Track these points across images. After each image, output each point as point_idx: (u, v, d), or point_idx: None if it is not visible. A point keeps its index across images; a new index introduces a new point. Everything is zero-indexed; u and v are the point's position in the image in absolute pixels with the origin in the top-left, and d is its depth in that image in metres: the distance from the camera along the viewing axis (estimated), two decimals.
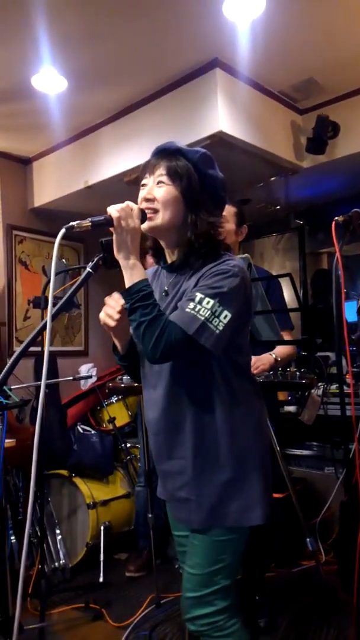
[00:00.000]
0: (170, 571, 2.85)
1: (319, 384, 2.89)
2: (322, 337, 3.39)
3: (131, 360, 1.59)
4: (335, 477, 3.14)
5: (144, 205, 1.47)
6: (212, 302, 1.35)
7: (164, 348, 1.33)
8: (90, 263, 1.42)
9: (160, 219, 1.46)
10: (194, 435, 1.43)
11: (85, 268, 1.41)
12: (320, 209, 4.39)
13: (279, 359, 2.32)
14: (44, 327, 1.36)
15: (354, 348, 3.05)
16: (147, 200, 1.47)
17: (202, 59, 2.90)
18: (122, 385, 2.78)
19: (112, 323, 1.49)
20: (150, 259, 1.71)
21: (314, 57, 2.91)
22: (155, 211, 1.46)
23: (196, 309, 1.34)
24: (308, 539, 2.39)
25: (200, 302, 1.35)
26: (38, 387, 2.79)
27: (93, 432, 3.52)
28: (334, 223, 2.01)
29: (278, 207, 4.45)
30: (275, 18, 2.54)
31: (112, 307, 1.48)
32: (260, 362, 2.27)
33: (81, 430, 3.50)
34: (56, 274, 2.69)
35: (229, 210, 2.38)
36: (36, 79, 2.97)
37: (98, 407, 3.74)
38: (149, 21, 2.56)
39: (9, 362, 1.25)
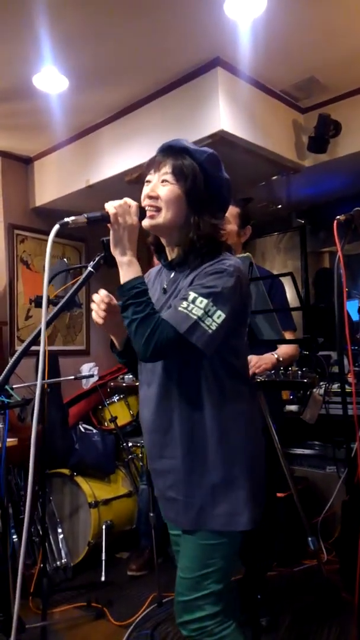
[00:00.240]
0: (172, 570, 2.81)
1: (321, 383, 2.89)
2: (324, 336, 3.38)
3: (130, 357, 1.58)
4: (337, 477, 3.14)
5: (146, 202, 1.46)
6: (205, 301, 1.33)
7: (155, 346, 1.32)
8: (91, 262, 1.42)
9: (162, 217, 1.45)
10: (184, 435, 1.42)
11: (86, 267, 1.41)
12: (321, 207, 4.39)
13: (281, 359, 2.32)
14: (49, 323, 1.36)
15: (356, 347, 3.05)
16: (150, 197, 1.46)
17: (203, 58, 2.90)
18: (124, 384, 2.79)
19: (99, 320, 1.50)
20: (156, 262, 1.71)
21: (316, 56, 2.90)
22: (158, 209, 1.45)
23: (189, 308, 1.33)
24: (310, 538, 2.39)
25: (193, 302, 1.34)
26: (40, 386, 2.78)
27: (95, 431, 3.51)
28: (335, 222, 2.00)
29: (279, 206, 4.45)
30: (277, 17, 2.54)
31: (97, 303, 1.49)
32: (262, 361, 2.26)
33: (83, 430, 3.49)
34: (57, 273, 2.70)
35: (231, 211, 2.37)
36: (37, 79, 2.97)
37: (100, 406, 3.73)
38: (150, 20, 2.56)
39: (11, 361, 1.25)
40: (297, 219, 4.64)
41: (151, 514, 2.71)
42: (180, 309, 1.34)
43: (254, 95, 3.14)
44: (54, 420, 3.46)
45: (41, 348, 1.25)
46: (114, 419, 3.46)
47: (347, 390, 2.33)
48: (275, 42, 2.75)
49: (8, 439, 2.41)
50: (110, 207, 1.38)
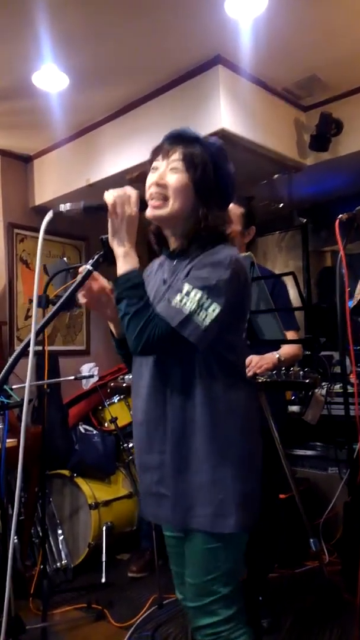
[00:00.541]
0: None
1: (323, 383, 2.88)
2: (326, 336, 3.37)
3: (128, 349, 1.53)
4: (339, 478, 3.12)
5: (153, 189, 1.41)
6: (199, 294, 1.30)
7: (147, 341, 1.29)
8: (90, 260, 1.39)
9: (169, 207, 1.40)
10: (174, 430, 1.38)
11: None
12: (323, 206, 4.37)
13: (283, 359, 2.30)
14: (44, 326, 1.34)
15: (358, 347, 3.03)
16: (158, 185, 1.41)
17: (204, 56, 2.89)
18: (124, 384, 2.77)
19: (81, 299, 1.46)
20: None
21: (317, 55, 2.89)
22: (165, 198, 1.40)
23: (182, 302, 1.30)
24: (311, 540, 2.38)
25: (187, 294, 1.30)
26: (40, 387, 2.77)
27: (95, 432, 3.50)
28: (337, 221, 1.99)
29: (281, 204, 4.43)
30: (278, 15, 2.52)
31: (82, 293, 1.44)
32: (263, 361, 2.25)
33: (83, 430, 3.48)
34: (57, 272, 2.68)
35: (235, 212, 2.35)
36: (37, 77, 2.96)
37: (100, 407, 3.72)
38: (150, 18, 2.54)
39: (9, 361, 1.23)
40: (298, 217, 4.62)
41: None
42: (173, 302, 1.31)
43: (255, 94, 3.13)
44: (53, 420, 3.45)
45: (31, 347, 1.22)
46: (114, 420, 3.44)
47: (349, 390, 2.31)
48: (276, 41, 2.73)
49: (8, 440, 2.40)
50: (109, 196, 1.34)
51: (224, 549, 1.38)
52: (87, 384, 3.65)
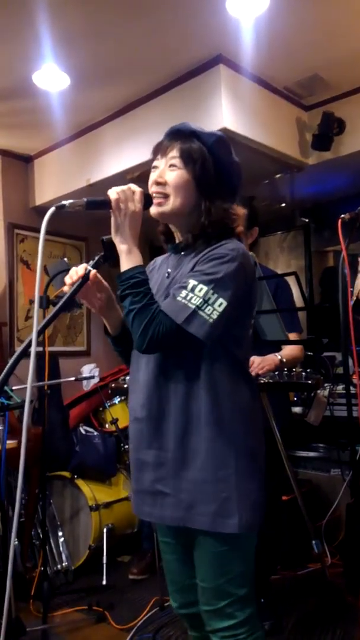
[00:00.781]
0: None
1: (325, 384, 2.86)
2: (329, 336, 3.35)
3: (124, 345, 1.53)
4: (341, 479, 3.10)
5: (154, 188, 1.40)
6: (205, 289, 1.28)
7: (152, 338, 1.27)
8: (91, 261, 1.38)
9: (170, 204, 1.39)
10: (177, 426, 1.35)
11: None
12: (325, 206, 4.36)
13: (284, 360, 2.29)
14: (45, 327, 1.33)
15: None
16: (157, 184, 1.40)
17: (205, 56, 2.88)
18: (125, 385, 2.75)
19: (65, 288, 1.43)
20: None
21: (319, 54, 2.88)
22: (166, 196, 1.39)
23: (187, 297, 1.28)
24: (314, 542, 2.37)
25: (192, 290, 1.28)
26: (40, 388, 2.76)
27: (95, 433, 3.49)
28: (340, 220, 1.98)
29: (283, 204, 4.42)
30: (280, 14, 2.51)
31: (70, 275, 1.40)
32: (265, 362, 2.23)
33: (83, 432, 3.47)
34: (57, 273, 2.67)
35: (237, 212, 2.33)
36: (37, 76, 2.95)
37: (100, 408, 3.71)
38: (152, 18, 2.53)
39: (10, 362, 1.22)
40: (301, 217, 4.60)
41: None
42: (178, 298, 1.29)
43: (257, 93, 3.11)
44: (54, 422, 3.44)
45: (32, 348, 1.20)
46: (115, 421, 3.42)
47: (352, 392, 2.29)
48: (278, 40, 2.72)
49: (8, 441, 2.38)
50: (113, 192, 1.33)
51: (234, 551, 1.36)
52: (87, 385, 3.65)
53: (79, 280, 1.36)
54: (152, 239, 4.44)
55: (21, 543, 3.03)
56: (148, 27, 2.60)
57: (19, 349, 1.23)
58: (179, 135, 1.42)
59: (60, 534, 3.21)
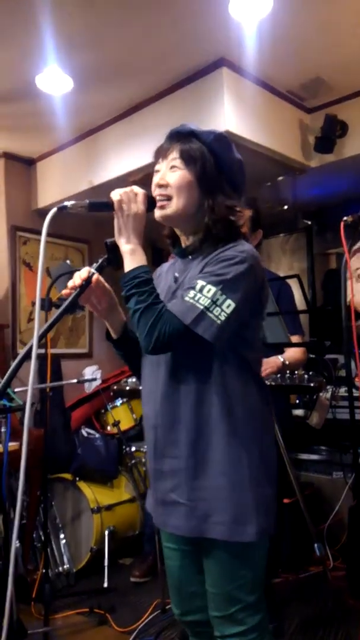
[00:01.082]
0: None
1: (328, 387, 2.86)
2: (331, 339, 3.34)
3: (126, 348, 1.52)
4: (344, 482, 3.10)
5: (156, 192, 1.39)
6: (213, 289, 1.26)
7: (158, 338, 1.25)
8: (94, 264, 1.37)
9: (174, 205, 1.38)
10: (189, 433, 1.33)
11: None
12: (328, 208, 4.36)
13: (287, 363, 2.28)
14: (47, 330, 1.33)
15: None
16: (160, 186, 1.39)
17: (208, 59, 2.89)
18: (127, 387, 2.76)
19: (66, 291, 1.41)
20: (171, 260, 1.65)
21: (322, 56, 2.88)
22: (169, 198, 1.38)
23: (195, 298, 1.26)
24: (316, 544, 2.36)
25: (200, 290, 1.26)
26: (42, 390, 2.76)
27: (97, 435, 3.49)
28: (342, 223, 1.98)
29: (285, 207, 4.42)
30: (283, 17, 2.52)
31: (73, 279, 1.38)
32: (267, 365, 2.23)
33: (85, 434, 3.47)
34: (60, 275, 2.67)
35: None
36: (40, 79, 2.95)
37: (102, 410, 3.70)
38: (154, 20, 2.54)
39: (13, 364, 1.22)
40: (303, 220, 4.60)
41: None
42: (186, 298, 1.27)
43: (260, 96, 3.12)
44: (56, 424, 3.44)
45: (33, 351, 1.19)
46: (117, 423, 3.43)
47: (354, 394, 2.29)
48: (281, 43, 2.73)
49: (10, 443, 2.38)
50: (115, 194, 1.33)
51: (246, 558, 1.34)
52: (89, 387, 3.65)
53: (82, 282, 1.35)
54: (155, 241, 4.44)
55: (23, 545, 3.03)
56: (151, 30, 2.61)
57: (21, 352, 1.23)
58: (179, 136, 1.42)
59: (61, 536, 3.20)
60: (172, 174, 1.38)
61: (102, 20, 2.53)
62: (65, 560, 3.13)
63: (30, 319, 4.01)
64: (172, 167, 1.39)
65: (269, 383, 2.18)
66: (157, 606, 2.65)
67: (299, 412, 3.17)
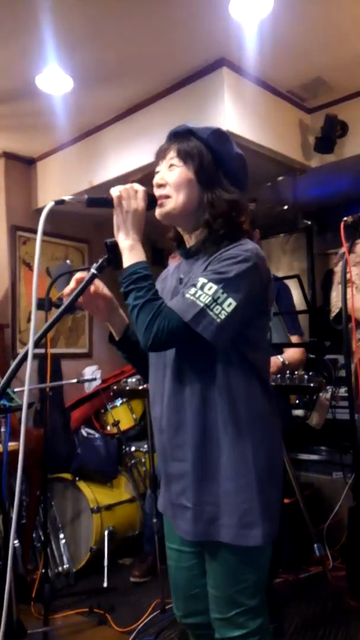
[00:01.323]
0: None
1: (328, 387, 2.86)
2: (331, 339, 3.34)
3: (129, 350, 1.52)
4: (343, 482, 3.10)
5: (156, 191, 1.39)
6: (214, 287, 1.24)
7: (156, 334, 1.24)
8: (94, 264, 1.36)
9: (173, 203, 1.38)
10: (195, 436, 1.31)
11: (90, 269, 1.36)
12: (328, 209, 4.35)
13: (287, 363, 2.29)
14: (47, 330, 1.32)
15: None
16: (159, 186, 1.39)
17: (208, 58, 2.88)
18: (127, 387, 2.75)
19: (67, 289, 1.41)
20: (172, 261, 1.65)
21: (322, 57, 2.87)
22: (168, 196, 1.38)
23: (196, 295, 1.24)
24: (316, 545, 2.37)
25: (202, 288, 1.25)
26: (42, 390, 2.76)
27: (97, 435, 3.49)
28: (342, 223, 1.98)
29: (285, 207, 4.41)
30: (283, 18, 2.51)
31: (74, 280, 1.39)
32: None
33: (85, 434, 3.47)
34: (60, 275, 2.67)
35: None
36: (40, 79, 2.95)
37: (102, 410, 3.71)
38: (155, 20, 2.53)
39: (12, 364, 1.22)
40: (303, 220, 4.60)
41: (154, 520, 2.68)
42: (187, 295, 1.26)
43: (260, 96, 3.11)
44: (55, 424, 3.44)
45: (29, 352, 1.18)
46: (116, 423, 3.43)
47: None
48: (281, 43, 2.72)
49: (10, 443, 2.38)
50: (115, 190, 1.32)
51: (251, 561, 1.33)
52: (89, 387, 3.65)
53: (82, 282, 1.34)
54: (155, 241, 4.44)
55: (22, 545, 3.03)
56: (151, 30, 2.60)
57: (21, 352, 1.23)
58: (177, 136, 1.42)
59: (61, 536, 3.20)
60: (170, 172, 1.39)
61: (102, 20, 2.52)
62: (65, 560, 3.13)
63: (31, 319, 4.00)
64: (171, 165, 1.39)
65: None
66: (156, 606, 2.65)
67: (298, 412, 3.17)
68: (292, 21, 2.55)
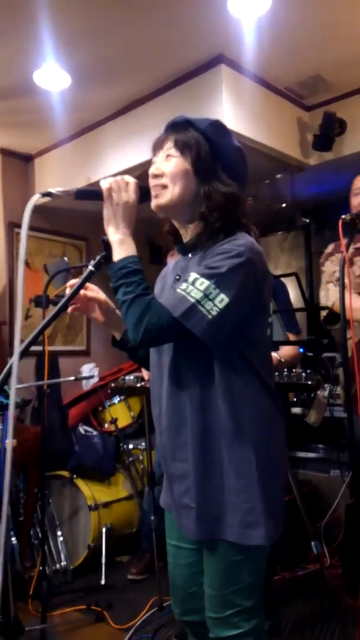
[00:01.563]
0: None
1: (325, 385, 2.86)
2: (329, 337, 3.34)
3: (132, 350, 1.50)
4: (341, 480, 3.10)
5: (152, 182, 1.36)
6: (206, 283, 1.20)
7: (146, 330, 1.21)
8: (92, 261, 1.35)
9: (169, 194, 1.34)
10: (196, 436, 1.30)
11: (87, 266, 1.35)
12: (326, 206, 4.35)
13: (283, 360, 2.29)
14: (45, 327, 1.32)
15: None
16: (155, 176, 1.36)
17: (206, 55, 2.87)
18: (125, 385, 2.75)
19: (72, 308, 1.42)
20: (170, 259, 1.64)
21: (321, 54, 2.87)
22: (164, 187, 1.35)
23: (187, 290, 1.21)
24: (313, 542, 2.37)
25: (193, 283, 1.21)
26: (39, 387, 2.76)
27: (95, 433, 3.49)
28: (340, 221, 1.97)
29: (284, 204, 4.41)
30: (282, 15, 2.51)
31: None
32: None
33: (83, 431, 3.46)
34: (57, 272, 2.67)
35: None
36: (38, 75, 2.94)
37: (100, 408, 3.71)
38: (153, 17, 2.53)
39: (10, 361, 1.21)
40: (301, 218, 4.59)
41: (152, 517, 2.68)
42: (178, 290, 1.23)
43: (258, 93, 3.11)
44: (53, 421, 3.44)
45: (15, 349, 1.17)
46: (114, 421, 3.43)
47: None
48: (280, 40, 2.72)
49: (7, 440, 2.38)
50: (105, 182, 1.30)
51: (249, 561, 1.32)
52: (87, 385, 3.65)
53: (80, 279, 1.34)
54: (153, 238, 4.43)
55: (20, 542, 3.03)
56: (149, 26, 2.60)
57: (19, 348, 1.22)
58: (175, 127, 1.39)
59: (59, 533, 3.20)
60: (167, 163, 1.36)
61: (100, 16, 2.51)
62: (63, 557, 3.13)
63: (29, 316, 4.00)
64: (167, 156, 1.36)
65: None
66: (154, 603, 2.65)
67: (296, 410, 3.17)
68: (291, 18, 2.55)
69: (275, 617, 2.45)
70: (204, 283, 1.21)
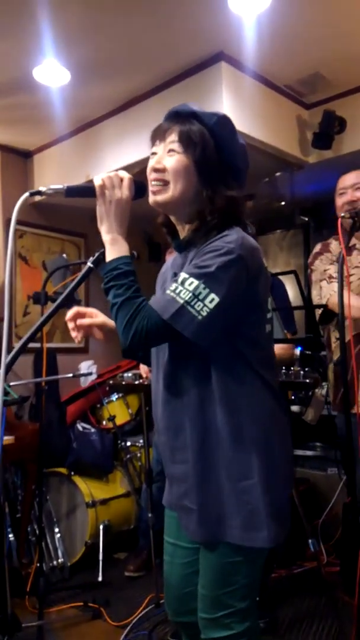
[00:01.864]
0: None
1: (323, 383, 2.86)
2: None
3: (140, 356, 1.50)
4: (338, 478, 3.10)
5: (152, 175, 1.31)
6: (195, 282, 1.17)
7: (135, 333, 1.18)
8: (91, 258, 1.34)
9: (170, 192, 1.29)
10: (195, 437, 1.27)
11: (86, 263, 1.35)
12: (325, 205, 4.33)
13: (277, 359, 2.29)
14: (43, 323, 1.32)
15: None
16: (156, 170, 1.30)
17: (207, 53, 2.87)
18: (123, 382, 2.75)
19: (77, 338, 1.42)
20: (169, 256, 1.61)
21: (321, 52, 2.87)
22: (165, 183, 1.29)
23: (177, 291, 1.18)
24: (310, 540, 2.37)
25: (182, 283, 1.18)
26: (38, 384, 2.76)
27: (93, 430, 3.48)
28: (339, 220, 1.97)
29: (283, 203, 4.40)
30: (282, 12, 2.51)
31: (68, 320, 1.39)
32: None
33: (81, 428, 3.46)
34: (56, 269, 2.66)
35: None
36: (38, 71, 2.93)
37: (98, 405, 3.70)
38: (154, 14, 2.52)
39: (7, 358, 1.21)
40: (300, 216, 4.59)
41: (149, 514, 2.68)
42: (167, 292, 1.19)
43: (258, 90, 3.11)
44: (51, 418, 3.43)
45: (3, 347, 1.15)
46: (112, 418, 3.43)
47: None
48: (280, 38, 2.71)
49: (5, 437, 2.38)
50: (98, 178, 1.26)
51: (246, 563, 1.29)
52: (85, 382, 3.64)
53: (78, 276, 1.33)
54: (152, 235, 4.42)
55: (17, 539, 3.03)
56: (149, 23, 2.59)
57: (16, 346, 1.23)
58: (178, 117, 1.33)
59: (56, 530, 3.20)
60: (169, 158, 1.30)
61: (100, 13, 2.51)
62: (60, 554, 3.13)
63: (27, 313, 4.00)
64: (170, 150, 1.30)
65: None
66: (151, 600, 2.66)
67: (294, 408, 3.17)
68: (291, 16, 2.55)
69: (272, 614, 2.46)
70: (193, 283, 1.18)
